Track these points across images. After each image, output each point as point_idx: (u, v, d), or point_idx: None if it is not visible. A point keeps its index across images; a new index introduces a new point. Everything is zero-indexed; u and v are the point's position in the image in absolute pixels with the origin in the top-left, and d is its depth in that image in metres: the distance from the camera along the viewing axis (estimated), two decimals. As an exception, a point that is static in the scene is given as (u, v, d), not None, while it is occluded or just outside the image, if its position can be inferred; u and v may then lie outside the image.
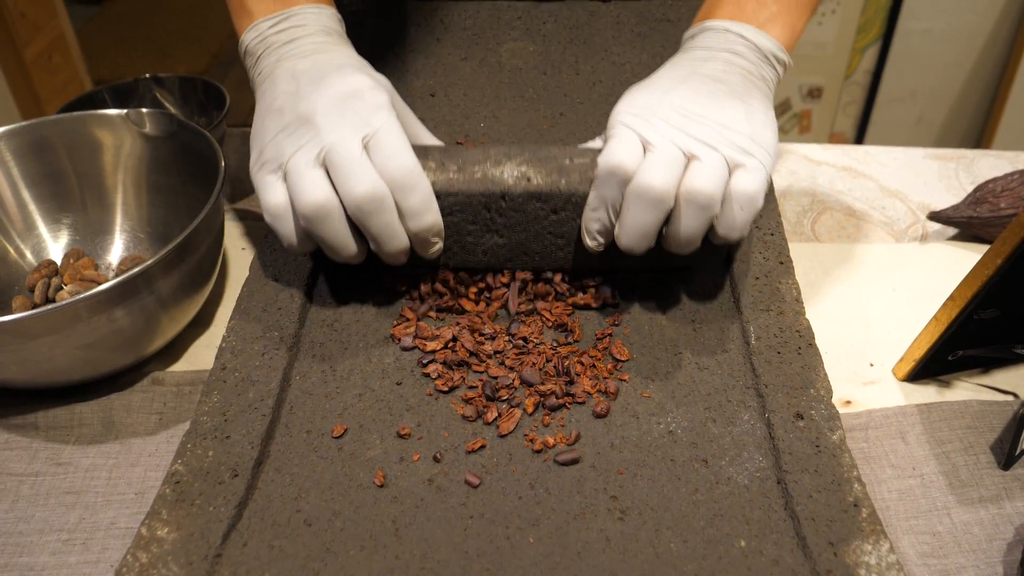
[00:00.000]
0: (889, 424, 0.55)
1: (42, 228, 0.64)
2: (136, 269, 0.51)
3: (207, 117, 0.77)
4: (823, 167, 0.79)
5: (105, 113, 0.62)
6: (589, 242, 0.49)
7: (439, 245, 0.50)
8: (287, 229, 0.47)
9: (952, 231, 0.71)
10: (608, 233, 0.49)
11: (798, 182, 0.77)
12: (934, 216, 0.70)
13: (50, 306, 0.48)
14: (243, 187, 0.75)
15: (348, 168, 0.45)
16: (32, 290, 0.62)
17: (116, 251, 0.65)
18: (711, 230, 0.47)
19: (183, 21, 2.85)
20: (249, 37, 0.53)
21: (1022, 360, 0.58)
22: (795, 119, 1.95)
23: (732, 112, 0.47)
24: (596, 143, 0.54)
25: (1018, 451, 0.51)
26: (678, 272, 0.54)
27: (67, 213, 0.64)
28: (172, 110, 0.78)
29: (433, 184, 0.48)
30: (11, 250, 0.63)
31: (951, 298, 0.52)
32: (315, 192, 0.45)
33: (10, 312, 0.54)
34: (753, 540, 0.39)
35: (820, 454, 0.42)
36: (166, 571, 0.36)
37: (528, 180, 0.49)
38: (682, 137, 0.46)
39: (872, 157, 0.80)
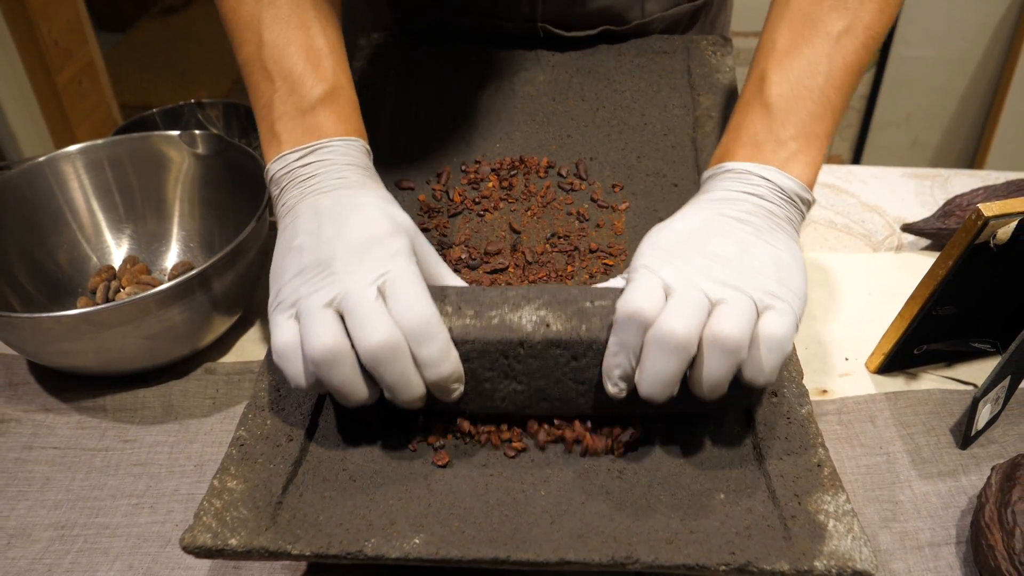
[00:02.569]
0: (860, 409, 0.62)
1: (107, 235, 0.71)
2: (195, 270, 0.58)
3: (247, 139, 0.85)
4: (808, 184, 0.86)
5: (167, 134, 0.70)
6: (611, 388, 0.46)
7: (460, 390, 0.47)
8: (295, 369, 0.45)
9: (925, 242, 0.78)
10: (630, 379, 0.46)
11: (785, 198, 0.84)
12: (907, 228, 0.77)
13: (125, 299, 0.55)
14: (280, 201, 0.83)
15: (363, 315, 0.43)
16: (94, 292, 0.70)
17: (171, 258, 0.73)
18: (737, 373, 0.44)
19: (203, 48, 2.96)
20: (276, 167, 0.52)
21: (980, 353, 0.65)
22: (794, 142, 2.03)
23: (759, 256, 0.46)
24: (618, 282, 0.51)
25: (973, 432, 0.58)
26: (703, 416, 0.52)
27: (129, 223, 0.72)
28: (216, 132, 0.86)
29: (449, 330, 0.46)
30: (79, 255, 0.71)
31: (912, 296, 0.59)
32: (325, 336, 0.43)
33: (79, 310, 0.62)
34: (731, 493, 0.45)
35: (790, 424, 0.49)
36: (237, 513, 0.43)
37: (547, 326, 0.47)
38: (707, 281, 0.44)
39: (854, 175, 0.88)
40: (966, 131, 1.99)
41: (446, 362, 0.45)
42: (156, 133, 0.70)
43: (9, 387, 0.64)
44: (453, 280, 0.52)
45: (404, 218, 0.49)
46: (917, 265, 0.75)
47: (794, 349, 0.53)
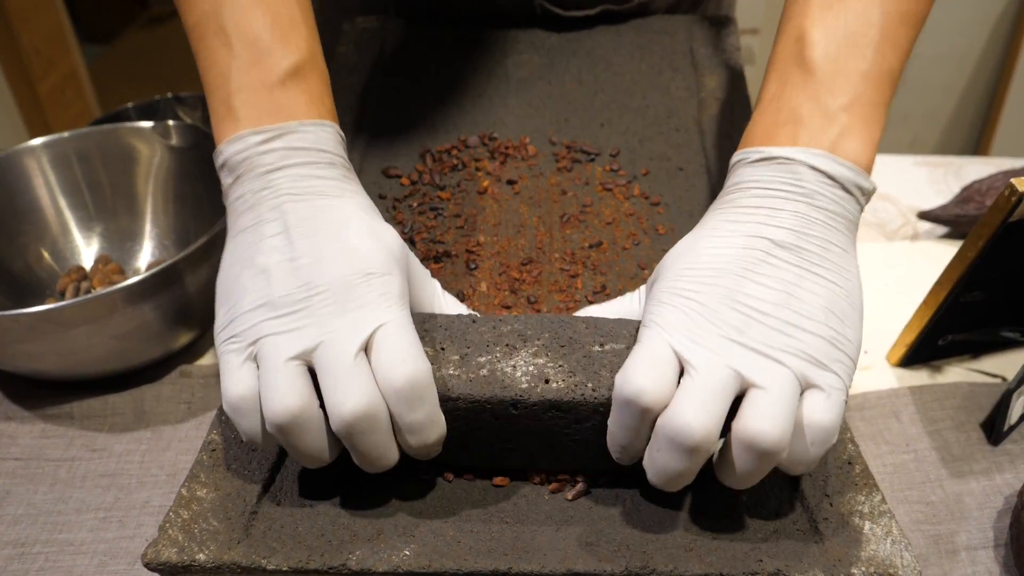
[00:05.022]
0: (883, 404, 0.58)
1: (76, 235, 0.67)
2: (166, 263, 0.54)
3: (227, 133, 0.81)
4: (816, 173, 0.82)
5: (138, 125, 0.65)
6: (616, 457, 0.40)
7: (439, 450, 0.40)
8: (250, 425, 0.38)
9: (942, 230, 0.74)
10: (639, 455, 0.39)
11: (793, 187, 0.80)
12: (924, 215, 0.74)
13: (89, 295, 0.51)
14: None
15: (340, 375, 0.36)
16: (63, 293, 0.66)
17: (144, 257, 0.68)
18: None
19: (190, 57, 2.91)
20: (231, 150, 0.42)
21: (1009, 344, 0.61)
22: (791, 142, 2.00)
23: (808, 299, 0.37)
24: (634, 302, 0.44)
25: (1006, 427, 0.54)
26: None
27: (99, 221, 0.67)
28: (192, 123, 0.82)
29: None
30: (46, 255, 0.66)
31: (938, 282, 0.55)
32: (290, 397, 0.36)
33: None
34: (754, 496, 0.41)
35: (815, 419, 0.44)
36: (207, 525, 0.39)
37: (546, 382, 0.39)
38: (736, 349, 0.36)
39: (863, 164, 0.84)
40: (966, 129, 1.97)
41: (434, 427, 0.38)
42: (126, 124, 0.65)
43: (-32, 395, 0.59)
44: (451, 306, 0.45)
45: (393, 238, 0.41)
46: (935, 254, 0.71)
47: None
